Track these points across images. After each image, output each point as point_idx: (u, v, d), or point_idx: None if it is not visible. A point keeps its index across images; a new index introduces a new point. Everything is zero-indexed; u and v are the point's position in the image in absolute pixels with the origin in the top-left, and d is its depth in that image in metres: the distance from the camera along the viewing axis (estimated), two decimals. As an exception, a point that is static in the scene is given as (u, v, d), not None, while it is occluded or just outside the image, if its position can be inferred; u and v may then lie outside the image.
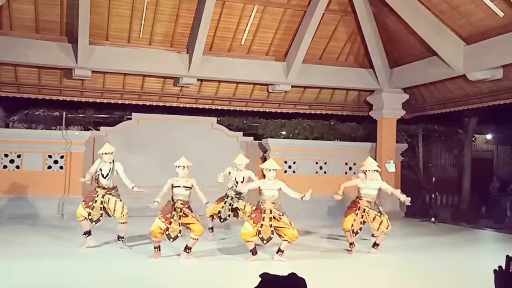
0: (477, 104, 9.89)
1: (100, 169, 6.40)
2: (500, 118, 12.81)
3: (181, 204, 5.76)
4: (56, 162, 9.86)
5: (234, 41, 9.95)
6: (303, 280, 1.60)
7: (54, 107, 11.39)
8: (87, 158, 10.09)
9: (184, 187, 5.79)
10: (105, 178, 6.36)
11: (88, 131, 10.94)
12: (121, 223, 6.38)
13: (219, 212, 7.07)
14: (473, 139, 15.12)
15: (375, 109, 11.49)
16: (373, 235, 6.82)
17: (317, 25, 9.56)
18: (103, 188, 6.38)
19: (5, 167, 9.53)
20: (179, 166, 5.87)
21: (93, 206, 6.29)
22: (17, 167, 9.60)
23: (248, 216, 6.04)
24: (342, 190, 6.62)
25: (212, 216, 7.14)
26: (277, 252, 5.93)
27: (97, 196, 6.33)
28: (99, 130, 10.81)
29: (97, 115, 11.94)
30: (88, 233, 6.38)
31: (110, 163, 6.42)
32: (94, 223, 6.33)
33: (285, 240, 5.83)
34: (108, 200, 6.35)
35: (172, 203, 5.80)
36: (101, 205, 6.31)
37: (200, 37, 9.07)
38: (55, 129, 11.23)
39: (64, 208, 9.48)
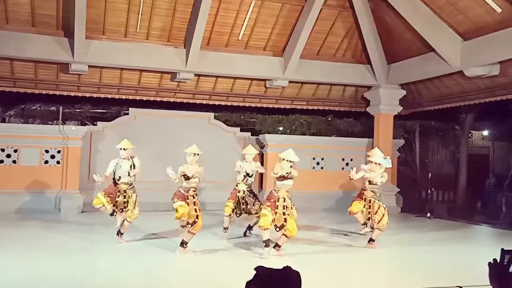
0: (474, 100, 9.92)
1: (121, 167, 6.28)
2: (497, 115, 12.86)
3: (193, 191, 5.83)
4: (53, 157, 9.83)
5: (231, 36, 9.91)
6: (297, 273, 1.61)
7: (51, 102, 11.36)
8: (84, 153, 10.08)
9: (194, 176, 5.74)
10: (129, 175, 6.29)
11: (85, 126, 10.91)
12: (130, 221, 6.35)
13: (235, 208, 7.00)
14: (470, 135, 15.17)
15: (372, 105, 11.51)
16: (371, 228, 6.89)
17: (314, 20, 9.54)
18: (125, 184, 6.30)
19: (1, 161, 9.50)
20: (188, 154, 5.80)
21: (116, 200, 6.26)
22: (14, 161, 9.58)
23: (265, 204, 5.95)
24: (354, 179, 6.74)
25: (230, 214, 7.00)
26: (274, 247, 5.93)
27: (119, 191, 6.29)
28: (96, 125, 10.79)
29: (94, 110, 11.92)
30: (114, 213, 6.33)
31: (129, 159, 6.32)
32: (121, 210, 6.32)
33: (284, 234, 5.84)
34: (131, 195, 6.32)
35: (183, 191, 5.75)
36: (124, 199, 6.28)
37: (197, 32, 9.03)
38: (52, 124, 11.20)
39: (61, 203, 9.47)
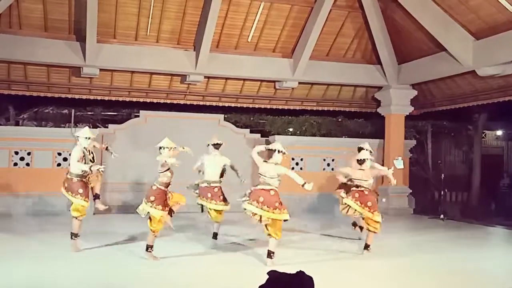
0: (487, 100, 9.79)
1: (93, 157, 6.15)
2: (511, 114, 12.66)
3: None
4: (65, 159, 9.93)
5: (240, 38, 9.93)
6: (310, 278, 1.60)
7: (63, 105, 11.49)
8: (95, 156, 10.16)
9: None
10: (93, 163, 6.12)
11: (96, 128, 11.01)
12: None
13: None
14: (483, 135, 14.97)
15: (383, 106, 11.42)
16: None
17: (324, 21, 9.51)
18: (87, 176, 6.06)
19: (15, 164, 9.65)
20: (164, 148, 5.65)
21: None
22: (27, 164, 9.72)
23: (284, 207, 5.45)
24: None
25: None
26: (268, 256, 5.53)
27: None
28: (107, 127, 10.89)
29: (105, 113, 12.01)
30: (78, 235, 5.99)
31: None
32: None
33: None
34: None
35: (164, 188, 5.56)
36: None
37: (207, 34, 9.07)
38: (64, 127, 11.33)
39: (74, 205, 9.56)
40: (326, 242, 7.19)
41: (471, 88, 9.89)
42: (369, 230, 6.24)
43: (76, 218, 5.91)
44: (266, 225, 5.48)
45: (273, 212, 5.39)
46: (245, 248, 6.47)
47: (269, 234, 5.49)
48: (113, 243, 6.57)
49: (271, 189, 5.45)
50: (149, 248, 5.58)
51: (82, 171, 5.94)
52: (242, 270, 5.41)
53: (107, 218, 8.93)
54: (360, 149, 6.72)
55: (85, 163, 5.99)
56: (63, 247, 6.04)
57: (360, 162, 6.30)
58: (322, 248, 6.67)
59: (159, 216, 5.47)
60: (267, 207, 5.38)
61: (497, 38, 7.89)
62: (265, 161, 5.58)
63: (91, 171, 5.93)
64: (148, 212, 5.49)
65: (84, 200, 5.91)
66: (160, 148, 5.69)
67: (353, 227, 7.04)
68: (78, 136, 6.14)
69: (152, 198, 5.47)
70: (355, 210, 6.26)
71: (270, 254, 5.48)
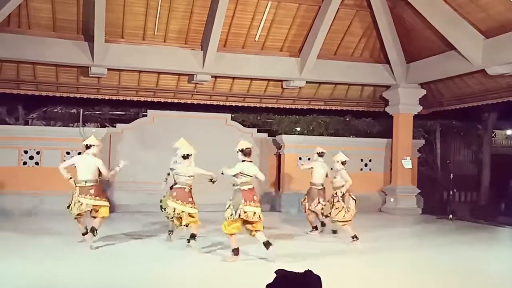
0: (497, 99, 9.68)
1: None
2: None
3: None
4: (73, 158, 10.01)
5: (248, 37, 9.93)
6: (318, 277, 1.59)
7: (71, 105, 11.60)
8: (103, 155, 10.24)
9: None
10: None
11: (104, 128, 11.09)
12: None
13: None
14: (493, 134, 14.84)
15: (391, 105, 11.34)
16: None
17: (331, 20, 9.47)
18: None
19: (25, 163, 9.75)
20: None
21: None
22: (37, 163, 9.81)
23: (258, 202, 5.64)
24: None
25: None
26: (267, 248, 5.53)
27: None
28: (115, 127, 10.95)
29: (113, 112, 12.10)
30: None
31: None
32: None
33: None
34: None
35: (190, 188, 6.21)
36: None
37: (214, 34, 9.08)
38: (72, 126, 11.43)
39: (82, 204, 9.63)
40: (327, 240, 7.18)
41: (481, 87, 9.78)
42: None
43: (103, 217, 6.30)
44: (252, 224, 5.50)
45: (261, 207, 5.61)
46: (246, 248, 6.46)
47: (256, 230, 5.52)
48: (115, 242, 6.59)
49: (253, 187, 5.66)
50: (194, 236, 6.00)
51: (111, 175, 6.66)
52: (243, 269, 5.39)
53: (111, 218, 8.93)
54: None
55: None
56: (64, 247, 6.08)
57: (344, 163, 7.19)
58: (322, 247, 6.65)
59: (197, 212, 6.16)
60: (258, 203, 5.62)
61: (507, 37, 7.79)
62: (244, 161, 5.66)
63: (120, 168, 6.59)
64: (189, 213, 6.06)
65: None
66: (187, 156, 6.24)
67: (333, 233, 7.47)
68: (93, 145, 6.51)
69: (190, 199, 6.13)
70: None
71: (268, 246, 5.45)
